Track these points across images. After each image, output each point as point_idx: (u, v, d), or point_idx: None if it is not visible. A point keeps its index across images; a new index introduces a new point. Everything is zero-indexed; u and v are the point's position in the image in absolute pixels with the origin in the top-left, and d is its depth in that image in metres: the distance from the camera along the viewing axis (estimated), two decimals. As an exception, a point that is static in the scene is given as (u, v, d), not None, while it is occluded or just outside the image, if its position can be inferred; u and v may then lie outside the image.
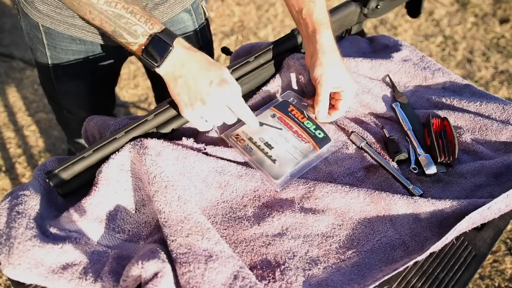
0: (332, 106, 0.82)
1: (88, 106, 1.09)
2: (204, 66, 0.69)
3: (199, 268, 0.58)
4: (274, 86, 0.88)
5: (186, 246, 0.60)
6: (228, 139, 0.78)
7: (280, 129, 0.80)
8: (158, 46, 0.67)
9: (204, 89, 0.69)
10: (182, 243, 0.61)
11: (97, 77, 1.03)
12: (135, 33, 0.68)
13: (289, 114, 0.82)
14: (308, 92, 0.88)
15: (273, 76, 0.89)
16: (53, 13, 0.86)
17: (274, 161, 0.76)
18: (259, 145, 0.77)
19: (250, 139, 0.78)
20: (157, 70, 0.69)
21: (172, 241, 0.61)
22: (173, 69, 0.69)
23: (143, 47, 0.68)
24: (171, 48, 0.67)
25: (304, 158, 0.77)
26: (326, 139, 0.81)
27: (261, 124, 0.80)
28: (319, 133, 0.81)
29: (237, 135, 0.78)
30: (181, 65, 0.68)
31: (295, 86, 0.89)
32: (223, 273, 0.59)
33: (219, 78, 0.70)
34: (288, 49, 0.90)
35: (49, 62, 0.96)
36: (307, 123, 0.81)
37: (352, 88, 0.80)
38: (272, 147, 0.77)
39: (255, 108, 0.87)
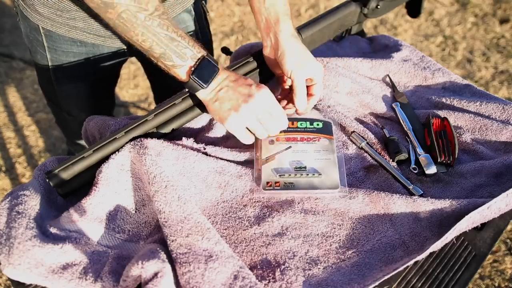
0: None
1: (88, 108, 1.09)
2: (241, 78, 0.74)
3: (199, 268, 0.58)
4: (274, 86, 0.88)
5: (186, 246, 0.60)
6: (264, 191, 0.73)
7: (290, 147, 0.78)
8: (207, 68, 0.71)
9: (246, 91, 0.72)
10: (182, 243, 0.61)
11: (98, 79, 1.03)
12: (185, 56, 0.70)
13: None
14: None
15: (273, 76, 0.89)
16: (54, 15, 0.86)
17: (319, 175, 0.75)
18: (296, 174, 0.75)
19: (282, 175, 0.75)
20: (200, 91, 0.73)
21: (172, 241, 0.61)
22: (213, 87, 0.73)
23: (192, 69, 0.71)
24: (218, 69, 0.72)
25: (333, 153, 0.77)
26: (327, 124, 0.81)
27: (273, 157, 0.76)
28: (318, 124, 0.80)
29: (268, 182, 0.74)
30: (221, 80, 0.73)
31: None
32: (223, 273, 0.59)
33: (256, 83, 0.74)
34: (288, 49, 0.90)
35: (50, 65, 0.96)
36: (301, 124, 0.81)
37: (321, 71, 0.81)
38: (305, 166, 0.76)
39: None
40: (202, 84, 0.71)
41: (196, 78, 0.71)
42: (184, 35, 0.71)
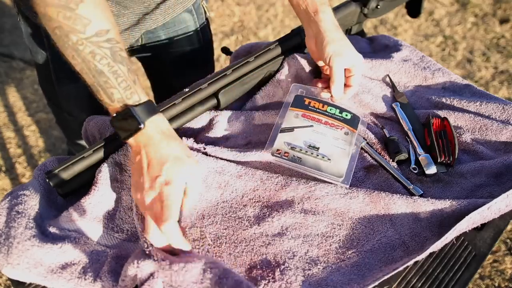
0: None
1: (88, 108, 1.08)
2: (162, 158, 0.60)
3: (166, 276, 0.56)
4: (274, 86, 0.88)
5: (152, 257, 0.58)
6: (273, 156, 0.75)
7: (311, 125, 0.79)
8: (128, 121, 0.60)
9: (145, 184, 0.59)
10: (148, 255, 0.59)
11: None
12: (112, 96, 0.61)
13: (309, 107, 0.81)
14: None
15: (273, 76, 0.89)
16: None
17: (329, 160, 0.75)
18: (306, 151, 0.75)
19: (293, 148, 0.75)
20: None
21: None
22: (136, 145, 0.61)
23: (114, 114, 0.61)
24: (140, 127, 0.59)
25: (350, 145, 0.77)
26: (355, 118, 0.81)
27: (292, 129, 0.78)
28: (346, 115, 0.81)
29: (278, 150, 0.75)
30: (144, 145, 0.60)
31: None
32: (190, 270, 0.57)
33: (167, 179, 0.59)
34: (288, 49, 0.90)
35: (50, 64, 0.96)
36: (330, 109, 0.81)
37: (362, 62, 0.81)
38: (318, 147, 0.76)
39: (256, 108, 0.87)
40: (120, 136, 0.62)
41: (113, 126, 0.62)
42: (120, 72, 0.60)
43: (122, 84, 0.61)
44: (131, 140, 0.61)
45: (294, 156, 0.75)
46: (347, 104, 0.85)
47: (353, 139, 0.79)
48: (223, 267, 0.58)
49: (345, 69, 0.80)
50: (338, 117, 0.80)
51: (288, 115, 0.80)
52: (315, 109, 0.81)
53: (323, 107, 0.81)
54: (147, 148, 0.60)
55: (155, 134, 0.61)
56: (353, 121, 0.81)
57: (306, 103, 0.81)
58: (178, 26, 0.98)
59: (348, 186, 0.74)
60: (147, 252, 0.58)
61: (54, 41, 0.61)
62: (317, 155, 0.75)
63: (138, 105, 0.61)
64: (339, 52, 0.78)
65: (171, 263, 0.57)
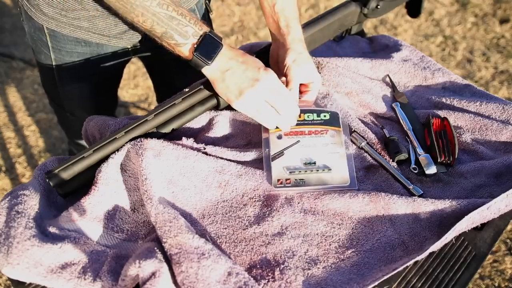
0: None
1: (91, 108, 1.09)
2: (248, 59, 0.73)
3: (192, 267, 0.58)
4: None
5: (177, 246, 0.60)
6: (275, 189, 0.73)
7: (298, 141, 0.78)
8: (210, 45, 0.71)
9: (253, 75, 0.71)
10: (173, 244, 0.60)
11: (101, 79, 1.03)
12: (186, 34, 0.70)
13: None
14: None
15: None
16: (58, 15, 0.86)
17: (329, 170, 0.74)
18: (305, 170, 0.75)
19: (292, 172, 0.74)
20: (205, 68, 0.72)
21: (164, 242, 0.61)
22: (219, 65, 0.72)
23: (195, 46, 0.70)
24: (221, 45, 0.71)
25: (341, 146, 0.77)
26: (335, 115, 0.80)
27: (282, 152, 0.76)
28: (325, 115, 0.80)
29: (279, 179, 0.74)
30: (228, 59, 0.72)
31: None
32: (216, 270, 0.58)
33: (263, 67, 0.73)
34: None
35: (54, 65, 0.96)
36: (308, 116, 0.81)
37: (320, 81, 0.81)
38: (314, 161, 0.75)
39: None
40: (206, 60, 0.71)
41: (199, 55, 0.70)
42: (185, 13, 0.70)
43: (191, 21, 0.71)
44: (215, 64, 0.71)
45: (296, 179, 0.74)
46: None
47: (341, 138, 0.78)
48: (249, 276, 0.60)
49: (302, 85, 0.80)
50: (318, 121, 0.80)
51: (272, 140, 0.78)
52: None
53: (300, 117, 0.80)
54: (233, 60, 0.72)
55: (228, 49, 0.72)
56: (333, 120, 0.80)
57: None
58: (180, 25, 0.98)
59: (357, 188, 0.74)
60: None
61: (119, 9, 0.70)
62: (317, 170, 0.75)
63: (210, 32, 0.71)
64: (298, 63, 0.78)
65: (201, 257, 0.58)
